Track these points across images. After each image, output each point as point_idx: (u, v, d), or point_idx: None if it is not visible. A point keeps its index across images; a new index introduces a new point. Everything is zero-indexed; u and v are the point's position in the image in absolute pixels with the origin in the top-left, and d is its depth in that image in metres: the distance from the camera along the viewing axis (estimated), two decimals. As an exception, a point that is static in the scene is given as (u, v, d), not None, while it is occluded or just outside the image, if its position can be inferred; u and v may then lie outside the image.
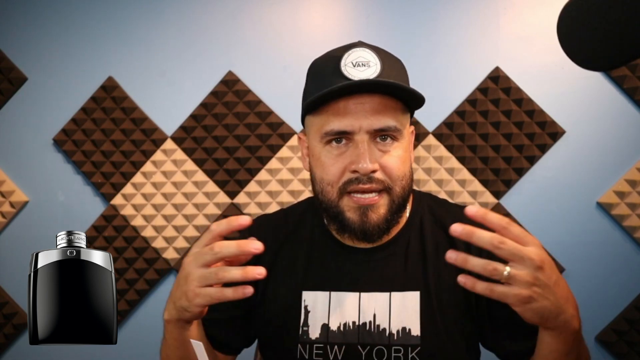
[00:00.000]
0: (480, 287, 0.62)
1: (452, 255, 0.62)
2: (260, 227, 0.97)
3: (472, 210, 0.63)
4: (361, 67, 0.80)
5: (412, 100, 0.84)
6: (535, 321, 0.66)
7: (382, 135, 0.81)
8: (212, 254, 0.66)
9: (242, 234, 0.98)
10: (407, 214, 0.92)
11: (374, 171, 0.80)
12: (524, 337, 0.85)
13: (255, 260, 0.93)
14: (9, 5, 1.64)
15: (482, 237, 0.62)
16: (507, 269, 0.61)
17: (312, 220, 0.95)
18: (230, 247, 0.65)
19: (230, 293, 0.66)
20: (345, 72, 0.80)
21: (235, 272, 0.65)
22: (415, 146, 1.55)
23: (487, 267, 0.61)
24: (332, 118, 0.81)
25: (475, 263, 0.62)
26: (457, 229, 0.62)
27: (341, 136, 0.82)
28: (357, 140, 0.80)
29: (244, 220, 0.66)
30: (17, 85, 1.64)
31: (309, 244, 0.93)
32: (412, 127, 0.90)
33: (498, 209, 1.54)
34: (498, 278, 0.61)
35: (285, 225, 0.97)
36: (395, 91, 0.81)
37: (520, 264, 0.61)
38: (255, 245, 0.65)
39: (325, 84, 0.80)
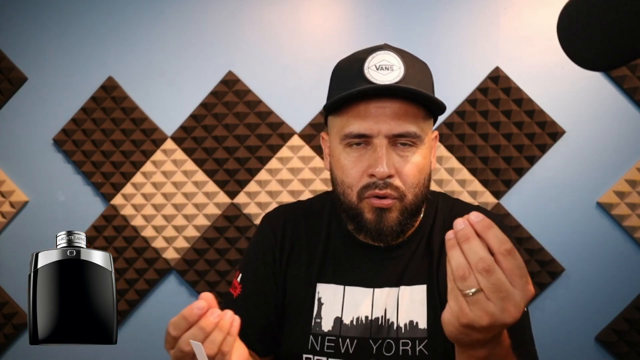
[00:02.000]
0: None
1: (459, 223, 0.55)
2: (278, 218, 0.99)
3: (478, 217, 0.55)
4: (384, 70, 0.80)
5: (434, 107, 0.83)
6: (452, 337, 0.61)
7: (402, 140, 0.82)
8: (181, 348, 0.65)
9: (263, 224, 0.99)
10: (421, 215, 0.94)
11: (390, 176, 0.81)
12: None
13: (276, 250, 0.94)
14: (9, 5, 1.64)
15: (495, 235, 0.54)
16: (472, 290, 0.55)
17: (330, 215, 0.96)
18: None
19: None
20: (368, 75, 0.80)
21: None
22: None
23: (460, 269, 0.55)
24: (352, 120, 0.81)
25: (457, 256, 0.55)
26: (459, 225, 0.56)
27: (360, 139, 0.82)
28: (376, 144, 0.81)
29: (198, 309, 0.65)
30: (17, 85, 1.64)
31: (326, 238, 0.94)
32: (436, 132, 0.92)
33: (498, 209, 1.54)
34: (460, 288, 0.55)
35: (303, 218, 0.98)
36: (417, 97, 0.80)
37: (493, 298, 0.54)
38: (198, 306, 0.66)
39: (348, 87, 0.81)
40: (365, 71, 0.80)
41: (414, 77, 0.81)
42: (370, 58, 0.81)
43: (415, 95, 0.79)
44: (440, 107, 0.82)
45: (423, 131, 0.82)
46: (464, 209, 0.96)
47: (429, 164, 0.87)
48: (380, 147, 0.80)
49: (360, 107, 0.81)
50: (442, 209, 0.96)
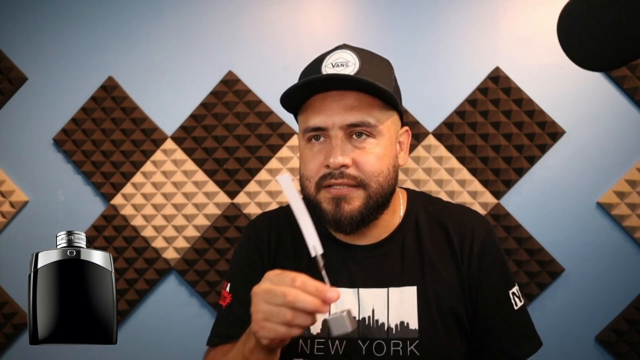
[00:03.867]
0: None
1: None
2: (263, 225, 1.00)
3: None
4: (339, 67, 0.83)
5: (388, 98, 0.84)
6: None
7: (358, 131, 0.83)
8: (284, 302, 0.63)
9: (247, 230, 1.00)
10: (401, 213, 0.95)
11: (345, 166, 0.82)
12: (509, 344, 0.89)
13: (264, 255, 0.94)
14: (9, 5, 1.64)
15: None
16: None
17: (312, 218, 0.96)
18: (307, 303, 0.63)
19: (297, 332, 0.65)
20: (324, 72, 0.83)
21: (307, 303, 0.63)
22: (414, 146, 1.55)
23: None
24: (310, 115, 0.84)
25: None
26: None
27: (319, 133, 0.84)
28: (331, 135, 0.83)
29: (332, 296, 0.64)
30: (17, 85, 1.64)
31: None
32: (406, 128, 0.93)
33: (498, 209, 1.54)
34: None
35: (287, 222, 0.98)
36: (370, 88, 0.82)
37: None
38: (333, 296, 0.63)
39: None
40: (322, 69, 0.83)
41: (369, 71, 0.82)
42: (328, 57, 0.85)
43: (358, 83, 0.80)
44: (389, 97, 0.83)
45: (379, 121, 0.84)
46: (451, 211, 0.97)
47: (391, 155, 0.87)
48: (334, 139, 0.82)
49: (317, 101, 0.84)
50: (424, 208, 0.96)
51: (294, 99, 0.87)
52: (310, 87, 0.83)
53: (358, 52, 0.85)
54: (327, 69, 0.83)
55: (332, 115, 0.82)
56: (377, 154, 0.84)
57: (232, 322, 0.95)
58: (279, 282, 0.65)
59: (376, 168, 0.84)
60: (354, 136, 0.83)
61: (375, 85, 0.80)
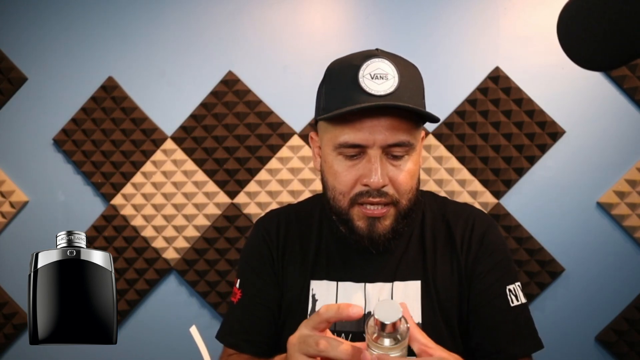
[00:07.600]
0: None
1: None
2: (271, 221, 1.01)
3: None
4: (379, 79, 0.79)
5: (426, 117, 0.83)
6: None
7: (395, 150, 0.82)
8: (317, 350, 0.63)
9: (256, 227, 1.00)
10: (413, 215, 0.94)
11: (384, 185, 0.82)
12: (505, 341, 0.88)
13: (272, 250, 0.95)
14: (9, 5, 1.64)
15: None
16: None
17: (320, 215, 0.98)
18: (339, 351, 0.62)
19: None
20: (363, 85, 0.79)
21: (341, 353, 0.61)
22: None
23: None
24: (346, 130, 0.81)
25: None
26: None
27: (355, 149, 0.82)
28: (370, 154, 0.81)
29: (354, 312, 0.62)
30: (17, 85, 1.64)
31: (317, 237, 0.96)
32: (424, 132, 0.91)
33: (498, 209, 1.54)
34: None
35: (295, 219, 0.99)
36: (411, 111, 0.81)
37: None
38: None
39: (343, 95, 0.80)
40: (360, 80, 0.80)
41: (407, 86, 0.80)
42: (364, 66, 0.80)
43: (410, 110, 0.80)
44: (432, 119, 0.82)
45: (415, 139, 0.83)
46: (455, 207, 0.98)
47: (418, 168, 0.88)
48: (374, 158, 0.81)
49: (354, 116, 0.80)
50: (430, 206, 0.97)
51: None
52: (357, 109, 0.79)
53: (394, 61, 0.81)
54: (365, 80, 0.79)
55: (373, 134, 0.79)
56: (410, 170, 0.84)
57: (243, 320, 0.95)
58: (310, 327, 0.65)
59: (408, 186, 0.84)
60: (391, 154, 0.82)
61: (427, 114, 0.79)
